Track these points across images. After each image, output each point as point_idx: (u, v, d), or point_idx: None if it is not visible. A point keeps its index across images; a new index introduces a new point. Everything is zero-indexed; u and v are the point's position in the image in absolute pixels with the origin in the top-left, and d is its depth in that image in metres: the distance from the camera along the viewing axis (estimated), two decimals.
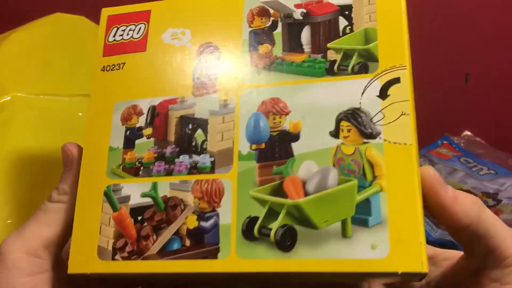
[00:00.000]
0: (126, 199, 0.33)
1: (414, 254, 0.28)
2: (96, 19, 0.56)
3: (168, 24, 0.37)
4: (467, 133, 0.84)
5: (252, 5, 0.35)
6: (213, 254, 0.31)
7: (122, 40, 0.37)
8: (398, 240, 0.28)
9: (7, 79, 0.46)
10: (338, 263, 0.29)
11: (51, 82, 0.48)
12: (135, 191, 0.33)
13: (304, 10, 0.34)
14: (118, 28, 0.38)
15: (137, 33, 0.37)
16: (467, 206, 0.31)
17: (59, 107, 0.47)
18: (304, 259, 0.29)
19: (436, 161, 0.77)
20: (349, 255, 0.29)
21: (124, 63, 0.36)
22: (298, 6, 0.35)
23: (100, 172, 0.34)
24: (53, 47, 0.52)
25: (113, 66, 0.37)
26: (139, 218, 0.33)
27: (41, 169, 0.44)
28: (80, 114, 0.47)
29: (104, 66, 0.37)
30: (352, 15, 0.33)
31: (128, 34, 0.37)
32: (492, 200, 0.68)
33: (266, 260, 0.30)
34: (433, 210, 0.31)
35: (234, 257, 0.30)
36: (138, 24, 0.37)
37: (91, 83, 0.37)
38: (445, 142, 0.82)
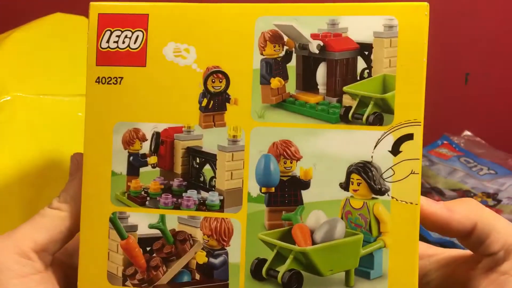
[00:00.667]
0: (134, 228, 0.34)
1: None
2: None
3: (169, 36, 0.34)
4: (467, 133, 0.84)
5: (264, 26, 0.33)
6: None
7: (118, 49, 0.34)
8: None
9: (7, 79, 0.44)
10: None
11: (51, 82, 0.46)
12: (142, 221, 0.34)
13: (321, 43, 0.32)
14: (111, 33, 0.34)
15: (134, 42, 0.34)
16: (465, 210, 0.33)
17: (59, 107, 0.45)
18: None
19: (436, 161, 0.77)
20: None
21: (121, 78, 0.34)
22: (314, 36, 0.32)
23: (104, 197, 0.34)
24: (53, 47, 0.49)
25: (109, 79, 0.34)
26: (148, 248, 0.34)
27: (41, 169, 0.44)
28: (80, 114, 0.45)
29: (99, 78, 0.34)
30: (372, 57, 0.32)
31: (124, 42, 0.34)
32: (492, 200, 0.69)
33: None
34: (437, 228, 0.33)
35: None
36: (135, 31, 0.34)
37: (86, 95, 0.34)
38: (445, 142, 0.82)
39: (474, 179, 0.74)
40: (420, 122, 0.31)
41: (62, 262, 0.36)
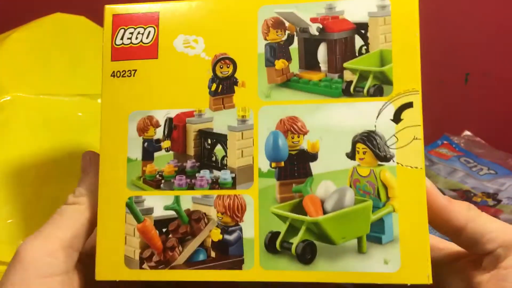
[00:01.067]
0: (150, 211, 0.35)
1: (422, 269, 0.32)
2: (96, 19, 0.53)
3: (179, 30, 0.36)
4: (467, 133, 0.84)
5: (266, 15, 0.35)
6: (238, 265, 0.34)
7: (131, 44, 0.37)
8: (408, 256, 0.32)
9: (7, 79, 0.46)
10: (355, 275, 0.32)
11: (51, 82, 0.48)
12: (157, 203, 0.35)
13: (320, 26, 0.35)
14: (125, 30, 0.37)
15: (147, 37, 0.36)
16: (462, 206, 0.34)
17: (59, 107, 0.47)
18: (323, 271, 0.33)
19: (436, 161, 0.78)
20: (364, 268, 0.32)
21: (135, 70, 0.36)
22: (313, 20, 0.35)
23: (120, 183, 0.35)
24: (53, 47, 0.51)
25: (123, 72, 0.36)
26: (164, 230, 0.35)
27: (41, 168, 0.44)
28: (80, 114, 0.46)
29: (114, 72, 0.36)
30: (368, 35, 0.34)
31: (137, 38, 0.37)
32: (492, 200, 0.69)
33: (288, 272, 0.33)
34: (434, 214, 0.34)
35: (258, 268, 0.33)
36: (147, 28, 0.37)
37: (102, 88, 0.36)
38: (445, 142, 0.82)
39: (474, 179, 0.74)
40: (418, 91, 0.33)
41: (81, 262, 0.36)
